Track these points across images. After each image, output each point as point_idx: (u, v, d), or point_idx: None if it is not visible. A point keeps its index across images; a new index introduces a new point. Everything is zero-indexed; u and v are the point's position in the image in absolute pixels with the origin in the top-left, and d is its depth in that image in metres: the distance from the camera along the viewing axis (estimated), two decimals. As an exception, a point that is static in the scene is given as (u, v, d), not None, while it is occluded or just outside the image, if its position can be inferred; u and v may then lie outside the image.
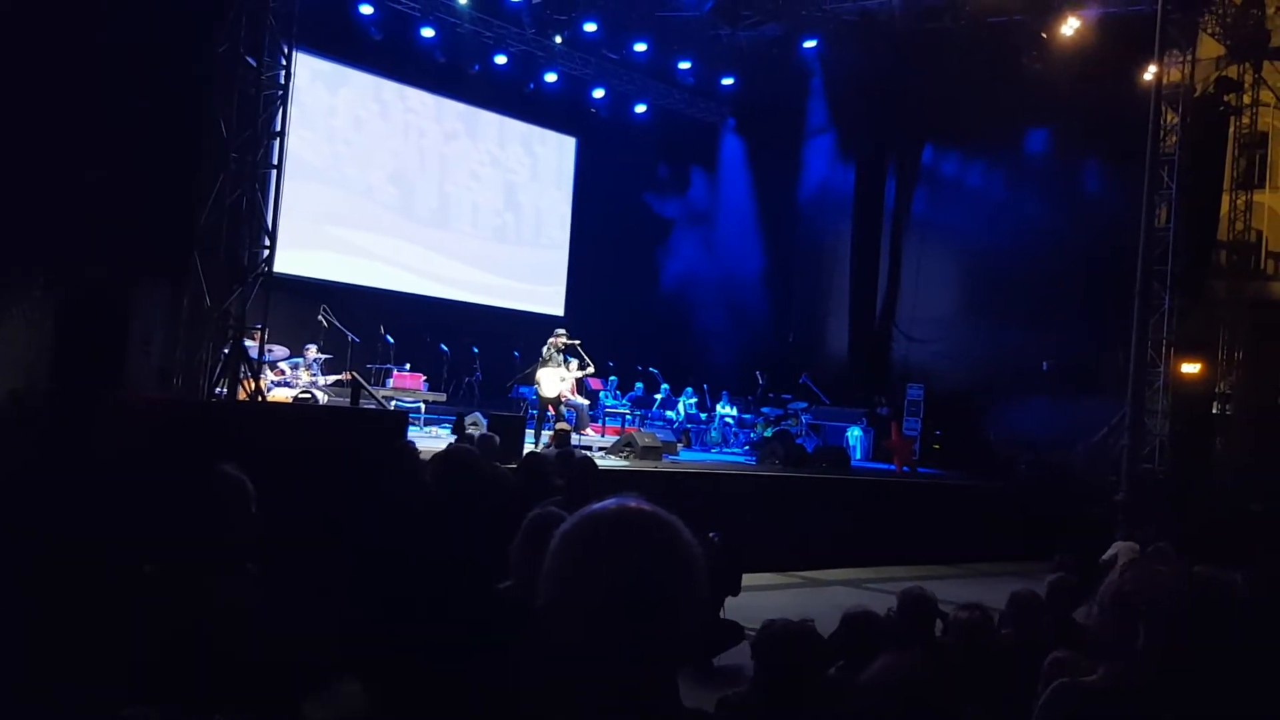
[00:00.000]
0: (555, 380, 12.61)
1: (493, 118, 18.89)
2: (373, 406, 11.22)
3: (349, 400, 11.15)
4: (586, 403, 14.02)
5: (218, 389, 9.30)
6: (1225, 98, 15.85)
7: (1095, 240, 15.30)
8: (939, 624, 3.93)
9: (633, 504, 1.32)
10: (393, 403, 12.27)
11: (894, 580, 9.35)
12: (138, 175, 8.38)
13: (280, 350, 11.78)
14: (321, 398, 11.77)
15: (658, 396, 16.93)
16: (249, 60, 9.72)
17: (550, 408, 12.67)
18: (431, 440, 10.77)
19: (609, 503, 1.33)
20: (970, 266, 18.38)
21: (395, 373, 13.48)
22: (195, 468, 3.00)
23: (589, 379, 14.03)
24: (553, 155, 20.09)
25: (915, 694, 2.28)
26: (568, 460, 6.91)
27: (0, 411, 5.22)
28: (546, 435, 12.18)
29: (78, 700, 2.46)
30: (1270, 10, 15.91)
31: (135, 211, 8.29)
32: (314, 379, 11.88)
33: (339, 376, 12.08)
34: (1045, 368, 16.52)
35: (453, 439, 10.28)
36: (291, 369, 11.79)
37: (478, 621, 3.15)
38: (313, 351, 12.03)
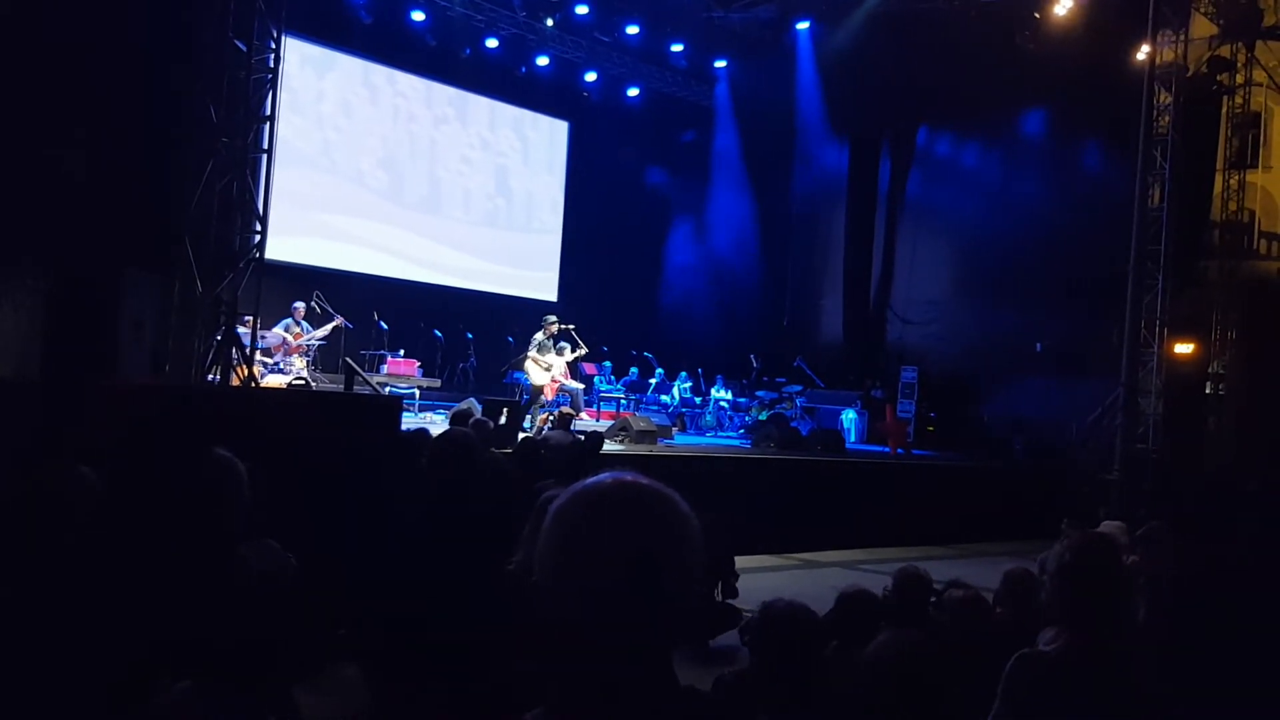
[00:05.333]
0: (544, 366, 12.60)
1: (484, 102, 18.80)
2: (367, 392, 11.20)
3: (343, 386, 11.14)
4: (581, 387, 14.01)
5: (210, 375, 9.27)
6: (1218, 77, 15.85)
7: (1088, 221, 15.30)
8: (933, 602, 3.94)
9: (628, 478, 1.31)
10: (387, 389, 12.26)
11: (889, 561, 9.37)
12: (127, 161, 8.32)
13: (273, 336, 11.77)
14: (315, 384, 11.77)
15: (652, 381, 16.92)
16: (238, 44, 9.65)
17: (542, 393, 12.67)
18: (428, 426, 10.76)
19: (603, 477, 1.31)
20: (964, 248, 18.39)
21: (389, 359, 13.46)
22: (188, 454, 2.99)
23: (583, 364, 14.01)
24: (545, 139, 20.01)
25: (915, 670, 2.29)
26: (576, 444, 6.90)
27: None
28: (540, 420, 12.18)
29: (85, 677, 2.47)
30: (1263, -11, 15.88)
31: (125, 198, 8.24)
32: (306, 336, 11.95)
33: (332, 324, 12.12)
34: (1039, 349, 16.56)
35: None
36: (284, 330, 11.83)
37: (476, 603, 3.15)
38: (300, 310, 12.04)
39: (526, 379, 12.88)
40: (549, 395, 12.81)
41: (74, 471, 3.01)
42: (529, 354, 12.62)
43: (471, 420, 8.75)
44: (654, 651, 1.26)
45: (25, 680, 2.45)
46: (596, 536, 1.25)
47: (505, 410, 10.49)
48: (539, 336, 12.67)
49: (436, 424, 11.29)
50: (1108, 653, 2.49)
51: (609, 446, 11.70)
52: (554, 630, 1.25)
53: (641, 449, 11.71)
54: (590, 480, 1.31)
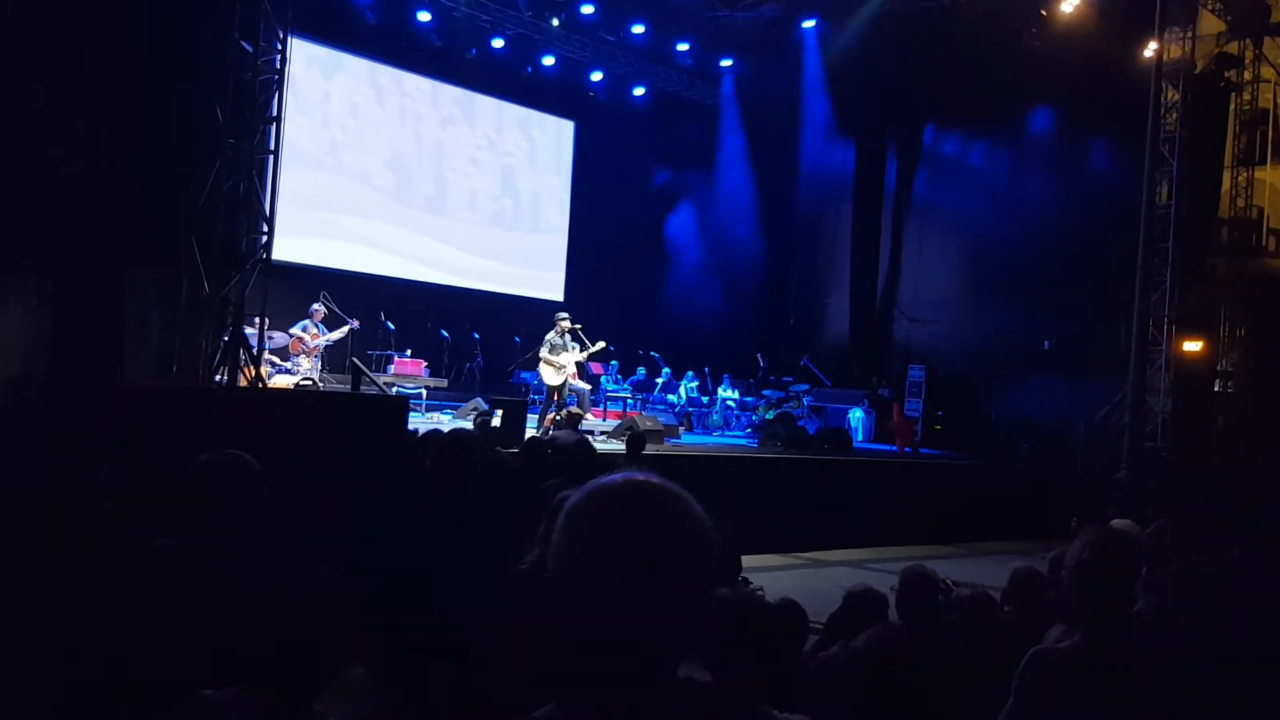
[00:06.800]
0: (560, 365, 12.57)
1: (490, 102, 18.82)
2: (374, 392, 11.22)
3: (350, 386, 11.15)
4: (588, 387, 14.00)
5: (218, 376, 9.29)
6: (1226, 74, 15.79)
7: (1096, 219, 15.26)
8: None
9: (640, 477, 1.30)
10: (394, 389, 12.27)
11: (896, 560, 9.34)
12: (131, 162, 8.34)
13: (281, 337, 11.79)
14: (322, 385, 11.80)
15: (659, 380, 16.92)
16: (244, 45, 9.67)
17: (554, 393, 12.64)
18: (434, 426, 10.76)
19: (616, 476, 1.31)
20: (971, 246, 18.35)
21: (396, 359, 13.47)
22: (195, 454, 3.00)
23: (590, 363, 14.00)
24: (551, 139, 20.02)
25: (897, 662, 2.27)
26: (579, 444, 6.88)
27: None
28: (548, 420, 12.18)
29: (106, 679, 2.48)
30: (1271, -15, 15.83)
31: (130, 198, 8.26)
32: (322, 338, 12.00)
33: (345, 328, 12.18)
34: (1046, 347, 16.51)
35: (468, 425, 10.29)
36: (302, 330, 11.86)
37: (481, 602, 3.15)
38: (320, 313, 12.08)
39: (539, 380, 12.83)
40: (556, 395, 12.78)
41: (92, 470, 3.02)
42: (542, 355, 12.55)
43: (477, 420, 8.77)
44: (665, 651, 1.26)
45: (42, 676, 2.46)
46: (609, 535, 1.25)
47: (500, 414, 10.44)
48: (551, 336, 12.62)
49: (444, 425, 11.30)
50: (1122, 650, 2.48)
51: (615, 446, 11.70)
52: (566, 628, 1.25)
53: (648, 448, 11.68)
54: (605, 478, 1.31)
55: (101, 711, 2.45)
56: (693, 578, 1.25)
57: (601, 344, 13.01)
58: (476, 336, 16.06)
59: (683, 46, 19.36)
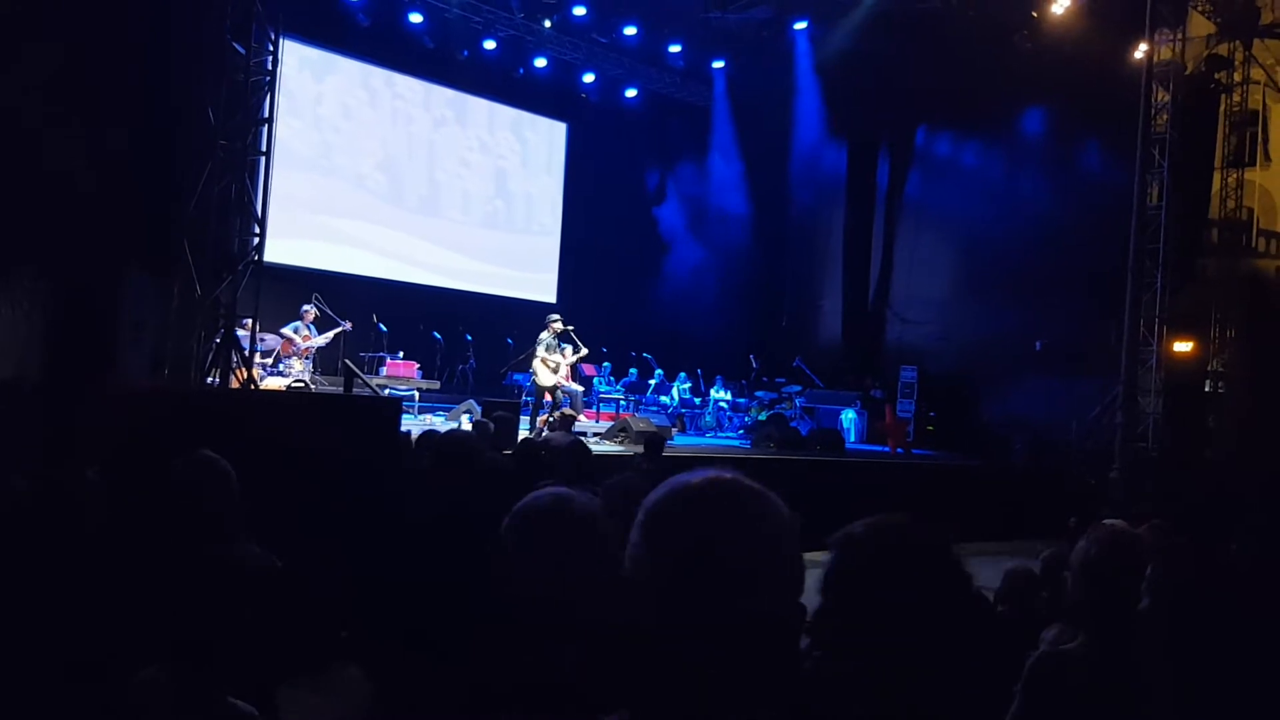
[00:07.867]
0: (551, 367, 12.56)
1: (482, 104, 18.81)
2: (366, 394, 11.19)
3: (343, 388, 11.12)
4: (581, 389, 13.99)
5: (210, 378, 9.26)
6: (1216, 76, 15.85)
7: (1087, 219, 15.31)
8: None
9: (720, 474, 1.29)
10: (386, 391, 12.24)
11: (890, 561, 9.35)
12: (126, 163, 8.31)
13: (273, 339, 11.75)
14: (314, 387, 11.76)
15: (652, 382, 16.91)
16: (236, 46, 9.65)
17: (546, 394, 12.63)
18: (427, 428, 10.73)
19: (697, 475, 1.29)
20: (964, 247, 18.40)
21: (389, 361, 13.45)
22: (180, 456, 3.01)
23: (582, 365, 13.99)
24: (543, 141, 20.02)
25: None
26: (573, 446, 6.87)
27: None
28: (540, 421, 12.17)
29: (89, 663, 2.48)
30: (1259, -13, 15.90)
31: (124, 200, 8.24)
32: (313, 340, 11.98)
33: (337, 330, 12.15)
34: (1038, 348, 16.56)
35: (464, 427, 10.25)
36: (293, 332, 11.83)
37: (478, 602, 3.14)
38: (311, 314, 12.05)
39: (531, 380, 12.80)
40: (549, 396, 12.76)
41: (83, 474, 3.02)
42: (538, 354, 12.52)
43: (473, 423, 8.73)
44: (744, 651, 1.23)
45: (24, 672, 2.45)
46: (691, 535, 1.23)
47: (493, 421, 10.42)
48: (545, 336, 12.59)
49: (439, 426, 11.26)
50: (1127, 650, 2.48)
51: (608, 448, 11.71)
52: (645, 628, 1.22)
53: (640, 450, 11.66)
54: (684, 476, 1.29)
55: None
56: (772, 578, 1.25)
57: (584, 351, 13.00)
58: (469, 338, 16.05)
59: (675, 48, 19.37)
